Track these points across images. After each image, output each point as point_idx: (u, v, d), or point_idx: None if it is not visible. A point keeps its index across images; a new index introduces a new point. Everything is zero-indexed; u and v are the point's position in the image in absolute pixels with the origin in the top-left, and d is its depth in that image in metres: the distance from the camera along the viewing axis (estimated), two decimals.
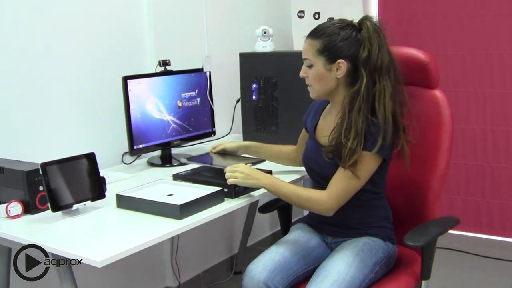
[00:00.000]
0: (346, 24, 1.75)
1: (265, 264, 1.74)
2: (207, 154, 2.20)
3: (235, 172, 1.81)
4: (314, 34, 1.76)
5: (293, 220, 2.17)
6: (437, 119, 1.92)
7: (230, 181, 1.80)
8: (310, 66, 1.77)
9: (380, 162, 1.73)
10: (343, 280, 1.65)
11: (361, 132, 1.66)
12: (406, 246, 1.71)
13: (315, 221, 1.93)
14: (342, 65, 1.72)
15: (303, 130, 2.05)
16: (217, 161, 2.11)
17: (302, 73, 1.81)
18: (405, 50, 1.97)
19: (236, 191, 1.85)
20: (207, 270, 2.98)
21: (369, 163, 1.70)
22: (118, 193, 1.81)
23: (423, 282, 1.80)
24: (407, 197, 1.96)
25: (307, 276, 1.77)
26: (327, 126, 1.83)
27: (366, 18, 1.76)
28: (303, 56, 1.79)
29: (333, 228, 1.87)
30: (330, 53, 1.72)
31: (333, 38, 1.72)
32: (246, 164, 1.89)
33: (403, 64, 1.94)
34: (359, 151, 1.66)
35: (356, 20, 1.77)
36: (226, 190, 1.84)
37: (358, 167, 1.68)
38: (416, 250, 1.88)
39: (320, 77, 1.75)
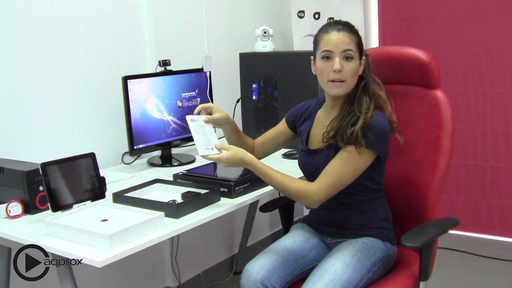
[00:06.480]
0: None
1: (263, 264, 1.74)
2: (204, 166, 2.12)
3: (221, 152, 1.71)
4: (350, 28, 1.74)
5: (294, 219, 2.16)
6: (438, 120, 1.91)
7: (214, 157, 1.69)
8: (350, 58, 1.71)
9: (374, 159, 1.72)
10: (339, 279, 1.64)
11: (369, 110, 1.69)
12: (403, 246, 1.70)
13: (315, 222, 1.92)
14: (364, 62, 1.77)
15: (280, 126, 1.99)
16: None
17: (338, 66, 1.69)
18: (406, 50, 1.97)
19: (235, 191, 1.85)
20: (207, 270, 2.98)
21: (363, 158, 1.69)
22: (115, 192, 1.82)
23: (421, 283, 1.80)
24: (407, 197, 1.96)
25: (305, 275, 1.76)
26: (321, 131, 1.80)
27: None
28: (344, 48, 1.70)
29: (332, 229, 1.87)
30: (361, 50, 1.76)
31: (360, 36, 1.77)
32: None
33: (404, 64, 1.94)
34: (364, 128, 1.67)
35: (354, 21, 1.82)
36: (225, 190, 1.84)
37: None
38: (416, 251, 1.87)
39: (356, 71, 1.74)
